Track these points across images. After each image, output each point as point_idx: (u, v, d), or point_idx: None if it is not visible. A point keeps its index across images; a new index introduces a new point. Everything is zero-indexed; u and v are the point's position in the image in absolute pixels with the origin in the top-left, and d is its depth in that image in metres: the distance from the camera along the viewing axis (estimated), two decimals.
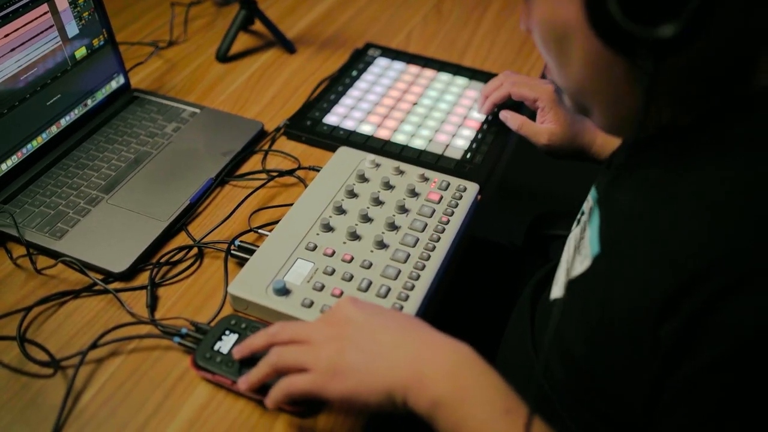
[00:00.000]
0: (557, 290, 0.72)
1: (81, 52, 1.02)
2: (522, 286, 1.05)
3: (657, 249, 0.53)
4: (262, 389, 0.67)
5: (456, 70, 1.18)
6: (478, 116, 1.09)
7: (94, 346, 0.74)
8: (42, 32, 0.94)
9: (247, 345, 0.68)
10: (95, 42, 1.04)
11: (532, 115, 1.01)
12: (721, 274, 0.48)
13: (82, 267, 0.82)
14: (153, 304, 0.80)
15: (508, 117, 1.02)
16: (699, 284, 0.49)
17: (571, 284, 0.65)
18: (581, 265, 0.64)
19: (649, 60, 0.48)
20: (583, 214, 0.75)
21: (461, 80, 1.16)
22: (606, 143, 0.95)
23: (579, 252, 0.65)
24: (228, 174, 0.98)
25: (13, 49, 0.90)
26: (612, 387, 0.59)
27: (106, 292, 0.81)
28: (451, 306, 0.93)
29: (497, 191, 1.11)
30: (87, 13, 1.01)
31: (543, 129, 0.97)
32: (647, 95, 0.50)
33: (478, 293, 1.09)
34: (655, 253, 0.53)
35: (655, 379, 0.53)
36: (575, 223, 0.77)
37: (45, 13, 0.94)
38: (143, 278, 0.83)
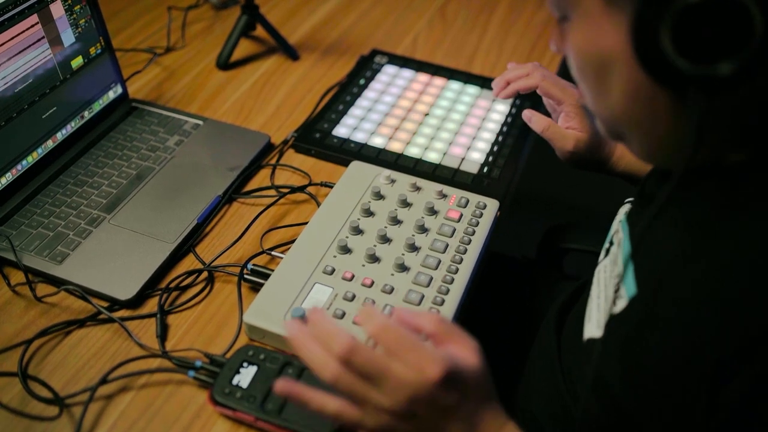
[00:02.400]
0: (592, 328, 0.69)
1: (77, 62, 0.96)
2: (537, 300, 1.02)
3: (710, 300, 0.51)
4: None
5: (467, 78, 1.14)
6: (492, 126, 1.05)
7: (103, 381, 0.69)
8: (36, 42, 0.89)
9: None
10: (92, 50, 0.99)
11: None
12: None
13: (86, 294, 0.77)
14: (163, 333, 0.75)
15: (533, 118, 0.94)
16: (764, 349, 0.46)
17: (610, 324, 0.62)
18: (617, 306, 0.61)
19: (700, 97, 0.45)
20: (612, 244, 0.72)
21: (472, 89, 1.12)
22: (622, 156, 0.92)
23: (617, 291, 0.62)
24: (236, 191, 0.93)
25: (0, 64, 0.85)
26: (653, 428, 0.57)
27: (111, 321, 0.76)
28: (464, 321, 0.90)
29: (511, 204, 1.08)
30: (83, 20, 0.96)
31: (571, 135, 0.91)
32: (698, 132, 0.46)
33: (491, 308, 1.06)
34: (707, 305, 0.51)
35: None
36: (603, 253, 0.74)
37: (37, 23, 0.89)
38: (151, 305, 0.79)
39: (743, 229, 0.51)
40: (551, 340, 0.79)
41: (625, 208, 0.73)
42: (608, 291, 0.67)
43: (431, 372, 0.54)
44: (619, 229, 0.71)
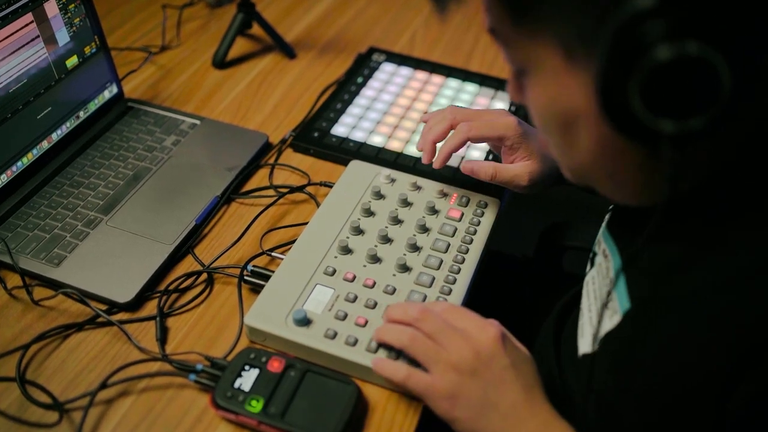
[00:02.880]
0: (585, 344, 0.69)
1: (72, 61, 0.95)
2: (537, 299, 1.01)
3: (707, 310, 0.51)
4: None
5: (465, 75, 1.14)
6: None
7: (102, 386, 0.68)
8: (30, 41, 0.88)
9: (390, 313, 0.70)
10: (87, 49, 0.97)
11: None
12: None
13: (84, 297, 0.76)
14: (163, 336, 0.74)
15: (475, 168, 0.84)
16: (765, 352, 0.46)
17: (604, 341, 0.62)
18: (611, 321, 0.61)
19: (672, 150, 0.44)
20: (595, 255, 0.71)
21: (471, 86, 1.11)
22: None
23: (607, 306, 0.62)
24: (234, 191, 0.92)
25: None
26: None
27: (110, 324, 0.75)
28: None
29: (510, 202, 1.07)
30: (78, 19, 0.95)
31: (521, 170, 0.82)
32: (672, 182, 0.45)
33: (491, 307, 1.05)
34: (704, 315, 0.51)
35: None
36: (588, 264, 0.73)
37: (31, 22, 0.88)
38: (150, 308, 0.78)
39: (736, 238, 0.51)
40: (549, 353, 0.78)
41: (608, 216, 0.72)
42: (598, 305, 0.67)
43: (491, 328, 0.65)
44: (601, 240, 0.70)
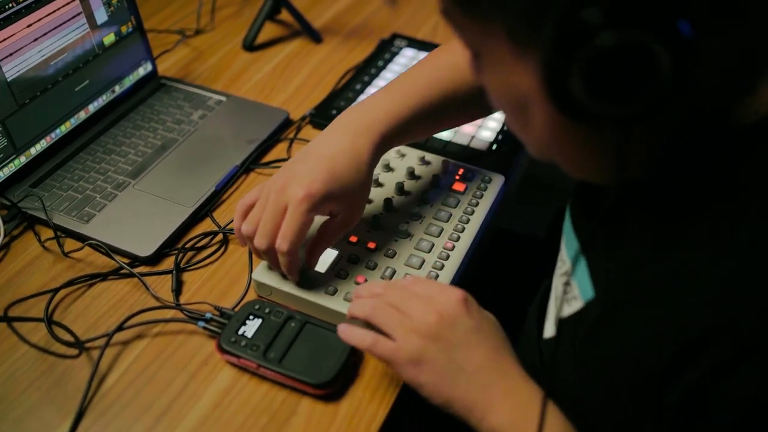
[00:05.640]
0: (550, 328, 0.70)
1: (109, 39, 1.02)
2: (542, 280, 1.04)
3: (664, 303, 0.51)
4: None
5: None
6: None
7: (119, 328, 0.75)
8: (70, 19, 0.95)
9: (357, 291, 0.71)
10: (123, 29, 1.05)
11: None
12: (728, 342, 0.46)
13: (109, 250, 0.83)
14: (178, 288, 0.81)
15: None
16: (704, 351, 0.47)
17: (562, 324, 0.63)
18: (570, 306, 0.62)
19: (616, 131, 0.46)
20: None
21: None
22: None
23: (566, 291, 0.63)
24: (253, 162, 0.98)
25: (36, 39, 0.90)
26: (606, 427, 0.59)
27: (131, 275, 0.82)
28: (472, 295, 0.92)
29: (521, 182, 1.11)
30: (116, 0, 1.02)
31: None
32: (619, 161, 0.47)
33: (498, 284, 1.08)
34: (661, 308, 0.51)
35: None
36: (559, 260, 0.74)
37: (72, 0, 0.95)
38: (168, 263, 0.84)
39: (702, 229, 0.51)
40: (533, 333, 0.79)
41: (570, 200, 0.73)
42: (558, 290, 0.68)
43: (453, 292, 0.67)
44: (566, 225, 0.70)
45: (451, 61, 0.83)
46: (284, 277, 0.78)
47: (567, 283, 0.64)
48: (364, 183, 0.76)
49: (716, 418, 0.47)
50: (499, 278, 1.09)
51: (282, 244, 0.72)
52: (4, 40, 0.86)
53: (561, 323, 0.63)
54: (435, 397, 0.63)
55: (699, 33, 0.41)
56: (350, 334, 0.67)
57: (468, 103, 0.84)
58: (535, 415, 0.58)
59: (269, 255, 0.75)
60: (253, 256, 0.83)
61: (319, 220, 0.77)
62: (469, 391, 0.62)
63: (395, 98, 0.80)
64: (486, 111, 0.89)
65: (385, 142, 0.79)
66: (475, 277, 0.91)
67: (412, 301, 0.66)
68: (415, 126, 0.81)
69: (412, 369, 0.63)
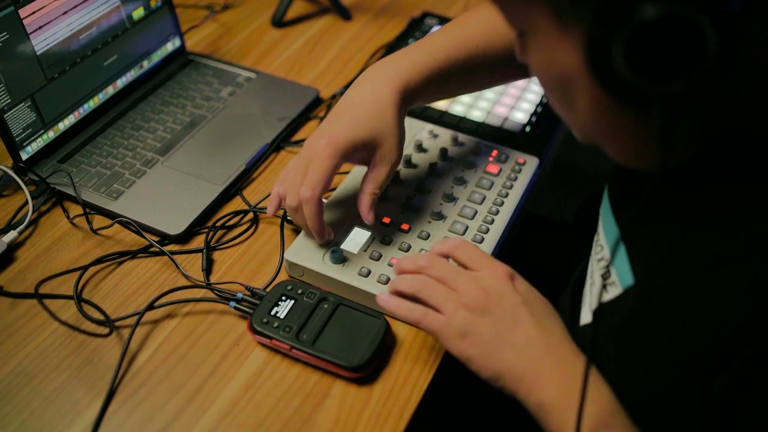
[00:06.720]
0: (587, 314, 0.69)
1: (138, 13, 1.01)
2: (571, 265, 1.02)
3: (705, 291, 0.51)
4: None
5: None
6: (537, 88, 1.05)
7: (150, 307, 0.74)
8: None
9: (399, 264, 0.70)
10: (152, 3, 1.03)
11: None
12: None
13: (139, 228, 0.82)
14: (208, 267, 0.79)
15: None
16: (749, 340, 0.47)
17: (600, 311, 0.62)
18: (607, 293, 0.62)
19: (662, 112, 0.44)
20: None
21: None
22: None
23: (605, 278, 0.63)
24: (284, 140, 0.96)
25: (65, 12, 0.89)
26: (647, 414, 0.58)
27: (161, 254, 0.81)
28: None
29: (553, 166, 1.08)
30: None
31: None
32: (664, 144, 0.45)
33: (527, 268, 1.07)
34: (702, 296, 0.51)
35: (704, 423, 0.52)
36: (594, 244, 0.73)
37: None
38: (198, 241, 0.83)
39: (740, 217, 0.50)
40: (566, 319, 0.79)
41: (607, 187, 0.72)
42: (595, 276, 0.68)
43: (499, 267, 0.67)
44: (604, 210, 0.70)
45: (483, 20, 0.83)
46: (316, 257, 0.76)
47: (607, 270, 0.63)
48: (392, 128, 0.75)
49: (763, 407, 0.47)
50: (529, 262, 1.08)
51: (305, 191, 0.72)
52: (34, 13, 0.85)
53: (598, 310, 0.62)
54: (483, 370, 0.63)
55: (747, 5, 0.40)
56: (397, 306, 0.67)
57: (499, 64, 0.83)
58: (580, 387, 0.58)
59: (298, 214, 0.75)
60: (285, 235, 0.82)
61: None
62: (516, 364, 0.62)
63: (421, 51, 0.80)
64: (524, 73, 0.87)
65: (409, 91, 0.78)
66: (504, 260, 0.89)
67: (460, 276, 0.66)
68: (442, 81, 0.81)
69: (461, 342, 0.63)
